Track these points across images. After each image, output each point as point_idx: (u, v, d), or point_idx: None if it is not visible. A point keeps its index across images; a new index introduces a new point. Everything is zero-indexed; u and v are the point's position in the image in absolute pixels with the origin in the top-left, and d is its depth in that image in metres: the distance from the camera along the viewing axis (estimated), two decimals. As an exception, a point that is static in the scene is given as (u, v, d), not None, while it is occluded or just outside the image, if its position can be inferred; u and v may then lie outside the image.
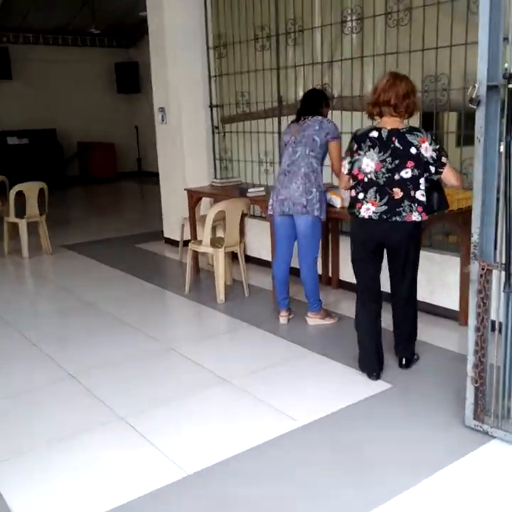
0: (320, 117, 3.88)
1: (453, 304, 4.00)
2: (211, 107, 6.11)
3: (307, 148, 3.85)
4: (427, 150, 3.00)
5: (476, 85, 2.40)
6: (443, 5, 3.85)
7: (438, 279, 4.07)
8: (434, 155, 3.01)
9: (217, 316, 4.47)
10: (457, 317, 3.98)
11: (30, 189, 6.14)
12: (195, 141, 6.23)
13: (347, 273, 4.82)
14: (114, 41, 13.54)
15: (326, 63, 4.86)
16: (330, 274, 4.97)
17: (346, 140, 4.58)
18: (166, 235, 6.81)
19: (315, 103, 3.95)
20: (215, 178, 6.09)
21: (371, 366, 3.28)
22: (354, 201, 3.17)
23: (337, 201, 4.08)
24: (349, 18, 4.56)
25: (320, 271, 4.86)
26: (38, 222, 6.29)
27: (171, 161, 6.42)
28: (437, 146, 3.04)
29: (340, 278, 4.90)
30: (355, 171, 3.14)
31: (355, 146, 3.14)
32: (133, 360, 3.66)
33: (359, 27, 4.52)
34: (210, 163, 6.26)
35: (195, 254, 5.22)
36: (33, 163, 11.90)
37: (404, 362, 3.36)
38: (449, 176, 3.08)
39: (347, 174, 3.22)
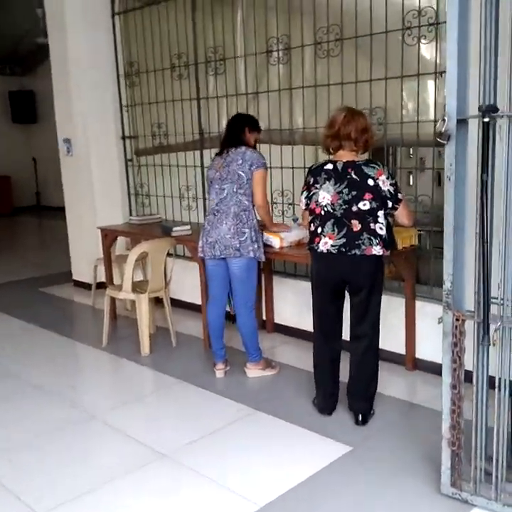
0: (243, 148, 3.54)
1: (399, 347, 3.78)
2: (124, 138, 5.66)
3: (234, 186, 3.52)
4: (385, 183, 2.87)
5: (445, 119, 2.19)
6: (376, 36, 3.70)
7: (382, 320, 3.84)
8: (391, 189, 2.88)
9: (143, 372, 3.98)
10: (404, 361, 3.77)
11: None
12: (106, 174, 5.73)
13: (283, 315, 4.53)
14: (7, 69, 12.69)
15: (251, 94, 4.59)
16: (264, 317, 4.63)
17: (275, 175, 4.43)
18: (75, 276, 6.20)
19: (237, 131, 3.61)
20: (132, 215, 5.62)
21: (325, 403, 3.18)
22: (312, 236, 3.03)
23: (275, 241, 3.77)
24: (275, 48, 4.33)
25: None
26: None
27: (79, 196, 5.86)
28: (394, 181, 2.91)
29: (276, 321, 4.58)
30: (312, 205, 3.01)
31: (312, 180, 3.00)
32: (47, 436, 3.09)
33: (286, 57, 4.30)
34: (124, 199, 5.78)
35: (113, 300, 4.71)
36: None
37: (360, 418, 3.06)
38: (403, 214, 2.99)
39: (305, 210, 3.10)
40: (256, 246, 3.55)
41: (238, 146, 3.55)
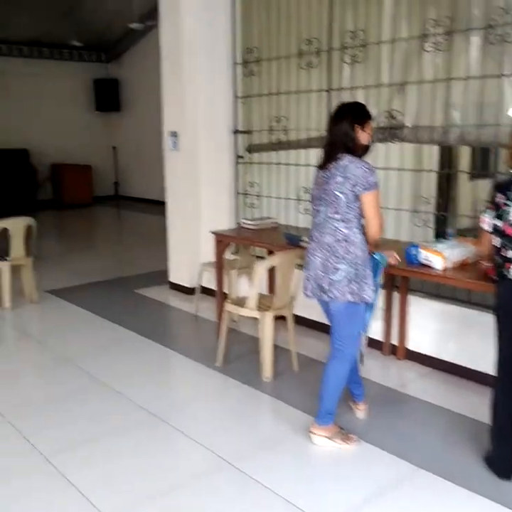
0: (346, 160, 2.71)
1: None
2: (236, 132, 5.16)
3: (329, 209, 2.76)
4: None
5: None
6: None
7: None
8: None
9: (268, 404, 3.48)
10: None
11: (16, 226, 5.02)
12: (214, 171, 5.27)
13: (418, 341, 3.94)
14: (93, 55, 12.50)
15: (395, 85, 4.00)
16: (394, 342, 4.05)
17: (401, 178, 3.78)
18: (173, 279, 5.78)
19: (339, 134, 2.76)
20: (240, 216, 5.14)
21: (504, 466, 2.65)
22: (503, 261, 2.57)
23: (437, 261, 3.18)
24: (432, 32, 3.71)
25: (380, 337, 3.98)
26: (22, 265, 5.18)
27: (183, 194, 5.43)
28: None
29: (409, 347, 3.99)
30: (503, 226, 2.54)
31: (502, 197, 2.54)
32: (175, 489, 2.64)
33: (447, 43, 3.68)
34: (231, 198, 5.29)
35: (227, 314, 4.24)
36: (2, 186, 10.69)
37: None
38: None
39: (490, 232, 2.61)
40: (356, 287, 2.76)
41: (339, 157, 2.73)
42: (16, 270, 5.15)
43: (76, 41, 11.20)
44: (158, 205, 11.39)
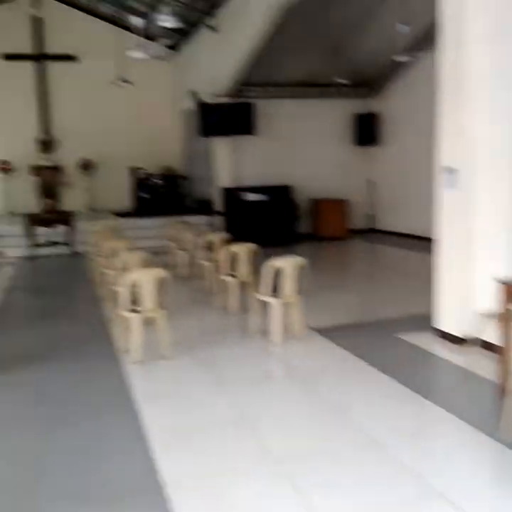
0: None
1: None
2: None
3: None
4: None
5: None
6: None
7: None
8: None
9: None
10: None
11: (291, 266, 5.16)
12: (493, 212, 4.77)
13: None
14: (354, 91, 12.71)
15: None
16: None
17: None
18: (439, 325, 5.33)
19: None
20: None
21: None
22: None
23: None
24: None
25: None
26: (291, 302, 5.31)
27: (457, 234, 5.01)
28: None
29: None
30: None
31: None
32: None
33: None
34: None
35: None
36: (267, 220, 11.45)
37: None
38: None
39: None
40: None
41: None
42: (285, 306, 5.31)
43: (340, 79, 11.51)
44: (417, 240, 11.05)
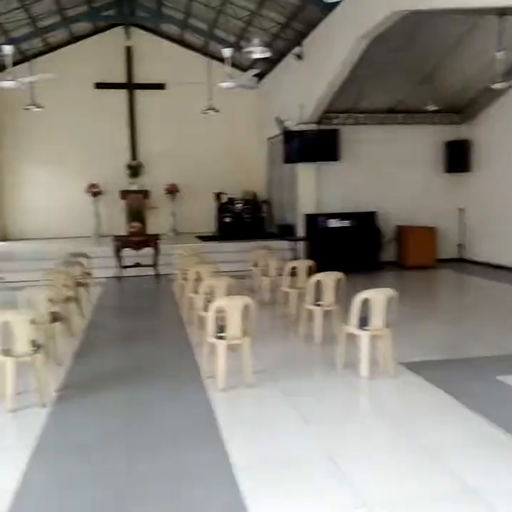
0: None
1: None
2: None
3: None
4: None
5: None
6: None
7: None
8: None
9: None
10: None
11: (381, 298, 4.95)
12: None
13: None
14: (446, 117, 12.34)
15: None
16: None
17: None
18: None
19: None
20: None
21: None
22: None
23: None
24: None
25: None
26: (380, 336, 5.09)
27: None
28: None
29: None
30: None
31: None
32: None
33: None
34: None
35: None
36: (350, 246, 11.25)
37: None
38: None
39: None
40: None
41: None
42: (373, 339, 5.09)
43: (430, 105, 11.22)
44: (508, 272, 10.44)
